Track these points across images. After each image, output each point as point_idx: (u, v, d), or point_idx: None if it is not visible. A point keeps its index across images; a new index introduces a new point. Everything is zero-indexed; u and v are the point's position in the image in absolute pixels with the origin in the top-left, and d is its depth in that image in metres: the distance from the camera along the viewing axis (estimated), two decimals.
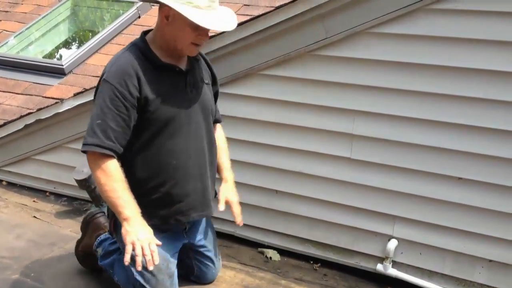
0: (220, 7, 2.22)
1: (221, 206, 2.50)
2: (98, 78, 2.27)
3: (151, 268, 2.10)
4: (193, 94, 2.33)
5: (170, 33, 2.19)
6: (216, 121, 2.64)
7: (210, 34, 2.30)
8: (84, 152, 2.18)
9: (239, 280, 2.97)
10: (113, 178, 2.11)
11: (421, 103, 2.71)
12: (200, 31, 2.16)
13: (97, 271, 2.86)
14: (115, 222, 2.33)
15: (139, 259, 2.04)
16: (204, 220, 2.63)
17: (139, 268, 2.06)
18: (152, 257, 2.06)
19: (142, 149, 2.23)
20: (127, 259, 2.06)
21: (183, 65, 2.31)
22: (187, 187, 2.33)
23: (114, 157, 2.14)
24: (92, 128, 2.12)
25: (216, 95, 2.56)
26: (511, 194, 2.64)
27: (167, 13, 2.15)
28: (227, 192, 2.57)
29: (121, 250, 2.39)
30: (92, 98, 2.31)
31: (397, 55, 2.70)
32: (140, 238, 2.07)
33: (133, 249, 2.06)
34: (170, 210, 2.31)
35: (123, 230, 2.11)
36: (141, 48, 2.23)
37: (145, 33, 2.32)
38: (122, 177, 2.15)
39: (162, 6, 2.16)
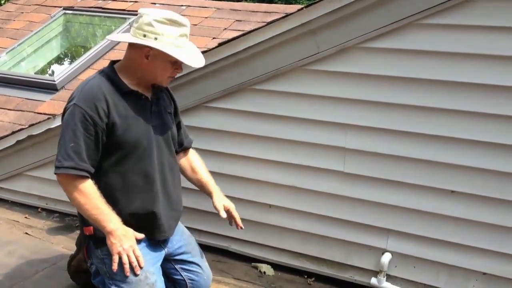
0: (189, 43, 2.37)
1: (223, 213, 2.58)
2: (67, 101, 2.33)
3: (139, 272, 2.25)
4: (157, 121, 2.42)
5: (150, 70, 2.32)
6: (186, 148, 2.71)
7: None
8: (57, 174, 2.25)
9: None
10: (91, 196, 2.22)
11: (413, 117, 2.73)
12: (177, 66, 2.33)
13: (88, 287, 2.84)
14: (88, 248, 2.44)
15: (126, 267, 2.23)
16: (179, 226, 2.64)
17: (128, 274, 2.24)
18: (138, 262, 2.25)
19: (110, 171, 2.31)
20: (114, 268, 2.23)
21: (148, 94, 2.42)
22: (152, 209, 2.40)
23: (88, 177, 2.24)
24: (66, 152, 2.20)
25: (179, 125, 2.66)
26: (505, 207, 2.65)
27: (147, 53, 2.28)
28: (223, 200, 2.64)
29: (100, 271, 2.45)
30: None
31: (387, 69, 2.73)
32: (125, 248, 2.23)
33: (120, 259, 2.23)
34: (139, 231, 2.36)
35: (108, 242, 2.24)
36: (109, 74, 2.33)
37: (113, 62, 2.43)
38: (98, 193, 2.25)
39: (141, 47, 2.28)
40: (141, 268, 2.26)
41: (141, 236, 2.33)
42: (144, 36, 2.25)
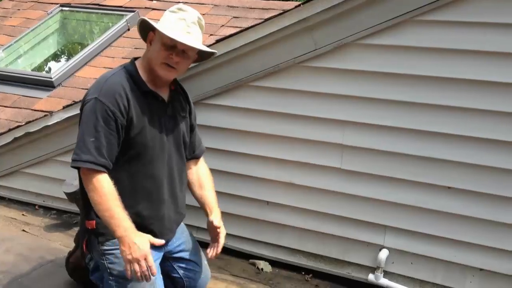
0: (195, 32, 2.31)
1: (222, 230, 2.52)
2: (85, 95, 2.31)
3: (150, 280, 2.20)
4: (170, 125, 2.41)
5: (150, 55, 2.30)
6: (196, 156, 2.65)
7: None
8: (76, 167, 2.23)
9: None
10: (107, 197, 2.18)
11: (410, 114, 2.73)
12: (171, 51, 2.25)
13: (86, 284, 2.84)
14: (87, 242, 2.41)
15: (138, 276, 2.17)
16: (180, 226, 2.64)
17: (140, 280, 2.19)
18: (150, 270, 2.18)
19: (119, 168, 2.29)
20: (128, 275, 2.19)
21: (165, 95, 2.40)
22: (157, 211, 2.39)
23: (106, 173, 2.21)
24: (86, 145, 2.18)
25: (192, 129, 2.62)
26: (501, 203, 2.66)
27: (151, 38, 2.29)
28: (220, 223, 2.55)
29: (100, 267, 2.43)
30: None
31: (385, 66, 2.73)
32: (135, 257, 2.17)
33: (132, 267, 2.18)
34: (141, 231, 2.35)
35: (120, 250, 2.20)
36: (130, 71, 2.31)
37: (135, 59, 2.41)
38: (115, 194, 2.21)
39: (148, 34, 2.30)
40: (153, 276, 2.19)
41: (160, 242, 2.31)
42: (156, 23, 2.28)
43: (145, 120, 2.28)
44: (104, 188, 2.19)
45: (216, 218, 2.53)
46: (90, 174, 2.19)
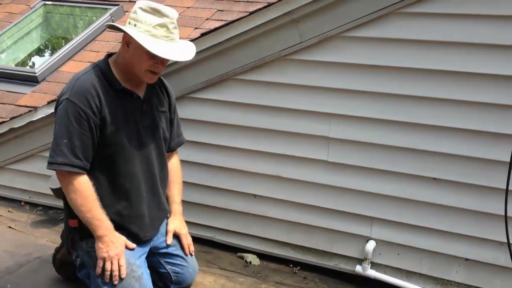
0: (181, 40, 2.31)
1: (169, 240, 2.57)
2: (58, 95, 2.30)
3: (116, 282, 2.27)
4: (148, 121, 2.40)
5: (130, 59, 2.26)
6: (171, 149, 2.66)
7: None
8: (51, 169, 2.25)
9: (220, 286, 2.97)
10: (87, 198, 2.22)
11: (395, 106, 2.75)
12: (156, 60, 2.23)
13: (74, 280, 2.83)
14: (73, 241, 2.43)
15: (107, 274, 2.24)
16: (164, 222, 2.64)
17: (107, 280, 2.26)
18: (120, 271, 2.25)
19: (96, 168, 2.29)
20: (98, 271, 2.26)
21: (141, 92, 2.38)
22: (137, 210, 2.40)
23: (83, 174, 2.23)
24: (60, 148, 2.19)
25: (172, 122, 2.60)
26: (486, 193, 2.68)
27: (128, 40, 2.23)
28: (175, 224, 2.62)
29: (85, 264, 2.46)
30: None
31: (369, 58, 2.74)
32: (110, 255, 2.24)
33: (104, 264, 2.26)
34: (122, 231, 2.36)
35: (96, 246, 2.26)
36: (103, 70, 2.29)
37: (108, 55, 2.38)
38: (94, 195, 2.24)
39: (124, 35, 2.24)
40: (121, 279, 2.26)
41: (132, 245, 2.34)
42: (129, 23, 2.22)
43: (119, 119, 2.26)
44: (82, 189, 2.21)
45: (172, 223, 2.60)
46: (67, 176, 2.21)
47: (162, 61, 2.26)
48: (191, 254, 2.63)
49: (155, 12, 2.21)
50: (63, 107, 2.20)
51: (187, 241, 2.63)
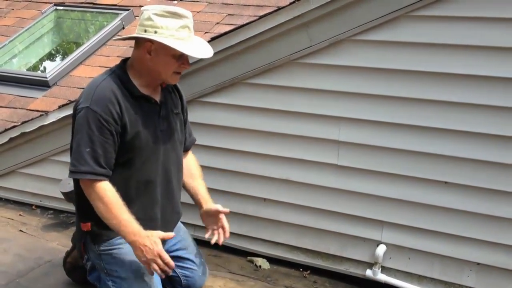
0: (195, 37, 2.32)
1: (225, 209, 2.51)
2: (76, 102, 2.30)
3: (170, 274, 2.24)
4: (165, 125, 2.40)
5: (154, 66, 2.26)
6: (186, 148, 2.66)
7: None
8: (74, 178, 2.26)
9: None
10: (112, 205, 2.19)
11: (406, 109, 2.74)
12: (183, 60, 2.26)
13: (84, 284, 2.84)
14: (85, 244, 2.43)
15: (159, 272, 2.20)
16: (177, 226, 2.64)
17: (163, 277, 2.26)
18: (168, 265, 2.19)
19: (113, 172, 2.28)
20: (150, 273, 2.23)
21: (157, 96, 2.39)
22: (151, 214, 2.40)
23: (106, 180, 2.22)
24: (82, 157, 2.18)
25: (185, 122, 2.62)
26: (497, 197, 2.66)
27: (149, 48, 2.23)
28: (217, 205, 2.55)
29: (96, 267, 2.45)
30: None
31: (380, 61, 2.73)
32: (149, 258, 2.18)
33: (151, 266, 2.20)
34: None
35: (135, 254, 2.22)
36: (120, 76, 2.29)
37: (124, 61, 2.38)
38: (120, 201, 2.22)
39: (143, 43, 2.24)
40: (171, 269, 2.21)
41: (169, 235, 2.28)
42: (145, 31, 2.21)
43: (139, 125, 2.27)
44: (108, 196, 2.20)
45: (215, 204, 2.53)
46: (91, 184, 2.21)
47: (187, 61, 2.29)
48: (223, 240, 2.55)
49: (174, 15, 2.21)
50: (84, 115, 2.19)
51: (228, 223, 2.55)
